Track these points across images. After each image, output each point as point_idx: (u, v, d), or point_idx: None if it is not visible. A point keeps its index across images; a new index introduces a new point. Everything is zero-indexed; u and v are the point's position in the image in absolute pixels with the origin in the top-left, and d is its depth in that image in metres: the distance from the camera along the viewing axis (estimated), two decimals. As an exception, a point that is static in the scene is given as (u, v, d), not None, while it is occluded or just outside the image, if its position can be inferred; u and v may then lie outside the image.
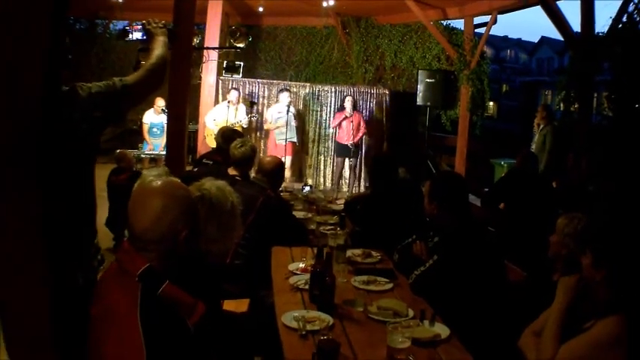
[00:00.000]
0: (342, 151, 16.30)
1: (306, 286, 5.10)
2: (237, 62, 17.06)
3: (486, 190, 12.10)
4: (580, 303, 3.93)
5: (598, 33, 11.67)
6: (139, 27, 4.43)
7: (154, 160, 15.65)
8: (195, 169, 8.66)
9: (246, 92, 17.26)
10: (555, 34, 13.08)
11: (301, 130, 16.81)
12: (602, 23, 17.16)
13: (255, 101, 16.60)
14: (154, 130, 16.12)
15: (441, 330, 4.38)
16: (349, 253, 6.17)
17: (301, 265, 5.81)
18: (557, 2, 11.84)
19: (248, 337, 5.17)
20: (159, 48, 4.22)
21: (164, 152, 14.69)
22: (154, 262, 3.04)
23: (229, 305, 5.61)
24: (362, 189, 16.69)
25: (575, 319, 3.89)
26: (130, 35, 4.47)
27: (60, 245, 3.37)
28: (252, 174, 7.72)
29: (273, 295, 5.21)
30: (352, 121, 15.72)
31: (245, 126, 15.32)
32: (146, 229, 3.05)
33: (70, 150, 3.47)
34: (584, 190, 9.66)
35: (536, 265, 5.59)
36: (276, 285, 5.41)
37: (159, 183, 3.17)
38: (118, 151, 11.43)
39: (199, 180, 4.13)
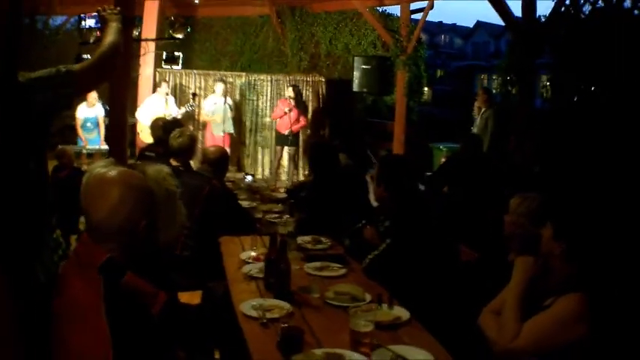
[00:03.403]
0: (280, 139, 16.33)
1: (261, 275, 5.07)
2: (176, 53, 16.99)
3: (429, 174, 12.16)
4: (538, 281, 3.95)
5: (539, 16, 11.74)
6: (94, 14, 4.36)
7: (90, 155, 15.39)
8: (138, 162, 8.58)
9: (183, 83, 17.14)
10: (491, 18, 13.18)
11: (238, 120, 16.73)
12: (544, 7, 17.33)
13: (196, 93, 16.53)
14: (88, 124, 15.79)
15: (401, 313, 4.38)
16: (299, 240, 6.16)
17: (253, 253, 5.76)
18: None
19: (205, 329, 5.13)
20: (111, 35, 4.15)
21: (101, 147, 14.56)
22: (113, 253, 2.98)
23: (182, 297, 5.55)
24: (301, 177, 16.70)
25: (534, 297, 3.90)
26: (84, 22, 4.40)
27: (13, 239, 3.28)
28: (197, 164, 7.68)
29: (227, 285, 5.18)
30: (292, 112, 15.71)
31: (179, 117, 15.16)
32: (104, 219, 3.00)
33: (16, 138, 3.39)
34: (529, 172, 9.75)
35: (487, 245, 5.63)
36: (230, 275, 5.37)
37: (114, 172, 3.12)
38: (58, 147, 11.29)
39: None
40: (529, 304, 3.88)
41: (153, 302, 3.00)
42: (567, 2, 11.54)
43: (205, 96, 16.91)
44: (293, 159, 16.79)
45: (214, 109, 15.73)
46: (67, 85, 3.67)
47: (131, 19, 4.70)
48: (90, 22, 4.40)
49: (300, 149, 16.82)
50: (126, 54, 8.59)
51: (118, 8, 4.39)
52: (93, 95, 15.46)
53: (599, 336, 3.56)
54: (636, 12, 10.78)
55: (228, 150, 14.96)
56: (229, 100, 15.91)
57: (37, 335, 3.03)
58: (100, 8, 4.34)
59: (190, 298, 5.84)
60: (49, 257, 3.60)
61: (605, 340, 3.59)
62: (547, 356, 3.67)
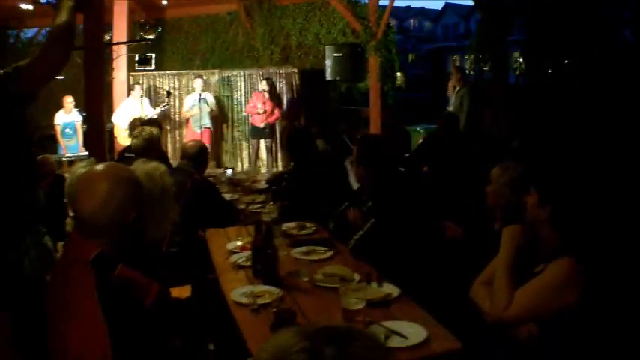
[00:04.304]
0: (256, 133, 16.45)
1: (248, 263, 5.11)
2: (148, 54, 16.98)
3: (407, 155, 12.20)
4: (526, 249, 3.97)
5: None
6: None
7: (71, 163, 15.28)
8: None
9: (157, 85, 17.16)
10: (460, -1, 13.22)
11: (215, 116, 16.74)
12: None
13: (171, 91, 16.57)
14: (67, 130, 15.83)
15: (391, 289, 4.41)
16: (284, 227, 6.22)
17: (239, 243, 5.79)
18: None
19: (197, 322, 5.14)
20: (62, 15, 4.00)
21: (80, 153, 14.51)
22: (104, 247, 2.99)
23: (172, 292, 5.57)
24: (280, 169, 16.71)
25: (524, 265, 3.93)
26: None
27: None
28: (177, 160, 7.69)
29: (216, 277, 5.20)
30: (267, 105, 15.81)
31: (155, 117, 15.11)
32: (93, 213, 3.01)
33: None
34: (506, 145, 9.83)
35: (471, 218, 5.67)
36: (218, 266, 5.40)
37: (101, 167, 3.14)
38: (39, 157, 11.27)
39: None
40: (519, 272, 3.90)
41: (146, 293, 3.01)
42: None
43: (180, 96, 16.94)
44: (270, 151, 16.84)
45: (193, 105, 15.79)
46: (17, 81, 3.64)
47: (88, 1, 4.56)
48: None
49: (277, 141, 16.86)
50: (99, 60, 8.59)
51: None
52: (69, 100, 15.52)
53: (590, 299, 3.58)
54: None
55: (208, 146, 15.03)
56: (208, 96, 16.06)
57: (27, 332, 3.05)
58: None
59: (179, 292, 5.85)
60: (38, 260, 3.61)
61: (595, 302, 3.61)
62: (540, 322, 3.69)
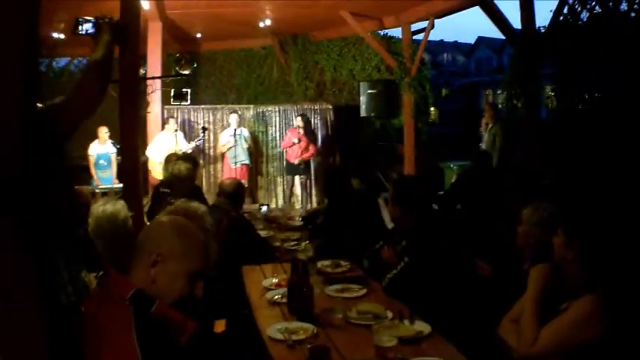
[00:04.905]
0: (291, 169, 16.56)
1: (284, 300, 5.19)
2: (184, 89, 17.06)
3: (441, 193, 12.25)
4: (554, 287, 4.06)
5: (539, 27, 11.81)
6: (91, 19, 4.14)
7: (105, 194, 15.19)
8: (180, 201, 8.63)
9: (192, 119, 17.27)
10: (492, 33, 13.24)
11: (252, 151, 16.82)
12: (541, 18, 17.36)
13: (207, 126, 16.63)
14: (101, 162, 15.77)
15: (422, 327, 4.48)
16: (319, 264, 6.28)
17: (275, 280, 5.88)
18: (496, 1, 12.00)
19: (232, 356, 5.22)
20: (98, 50, 3.95)
21: (114, 185, 14.56)
22: (142, 284, 3.08)
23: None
24: (314, 204, 16.77)
25: (551, 302, 4.01)
26: (81, 27, 4.22)
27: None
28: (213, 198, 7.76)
29: (250, 313, 5.28)
30: (302, 142, 15.99)
31: (189, 151, 15.16)
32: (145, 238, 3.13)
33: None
34: (538, 183, 9.85)
35: (501, 257, 5.74)
36: (254, 302, 5.48)
37: (168, 217, 3.26)
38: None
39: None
40: (546, 309, 3.99)
41: (182, 331, 3.08)
42: (565, 11, 11.60)
43: (215, 131, 17.05)
44: (305, 187, 16.90)
45: (229, 141, 15.88)
46: (50, 120, 3.64)
47: (125, 31, 4.47)
48: (87, 27, 4.18)
49: (312, 177, 16.95)
50: (134, 93, 8.67)
51: (114, 18, 4.18)
52: (104, 131, 15.54)
53: (616, 335, 3.66)
54: (633, 14, 10.86)
55: (245, 182, 15.05)
56: (244, 132, 16.15)
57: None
58: (98, 15, 4.10)
59: (215, 327, 5.94)
60: (74, 295, 3.68)
61: (621, 339, 3.68)
62: (566, 358, 3.77)
